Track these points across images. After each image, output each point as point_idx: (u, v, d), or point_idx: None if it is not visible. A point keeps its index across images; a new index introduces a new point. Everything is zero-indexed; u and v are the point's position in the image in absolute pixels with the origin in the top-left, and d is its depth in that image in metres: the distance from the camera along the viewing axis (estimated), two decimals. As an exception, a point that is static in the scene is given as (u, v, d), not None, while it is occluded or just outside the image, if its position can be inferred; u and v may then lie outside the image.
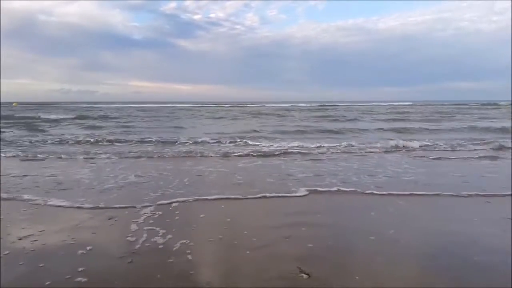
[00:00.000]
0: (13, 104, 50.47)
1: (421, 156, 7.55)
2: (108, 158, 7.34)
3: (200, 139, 10.42)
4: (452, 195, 4.36)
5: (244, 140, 10.16)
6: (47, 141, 10.28)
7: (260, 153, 7.90)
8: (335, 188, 4.71)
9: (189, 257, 2.64)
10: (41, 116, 22.81)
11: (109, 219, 3.49)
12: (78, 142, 10.00)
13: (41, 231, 3.14)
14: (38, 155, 7.61)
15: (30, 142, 10.08)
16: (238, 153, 7.91)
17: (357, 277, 2.33)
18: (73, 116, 22.91)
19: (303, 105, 50.44)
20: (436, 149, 8.68)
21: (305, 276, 2.34)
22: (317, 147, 8.87)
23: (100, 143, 9.81)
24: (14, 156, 7.61)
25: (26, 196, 4.26)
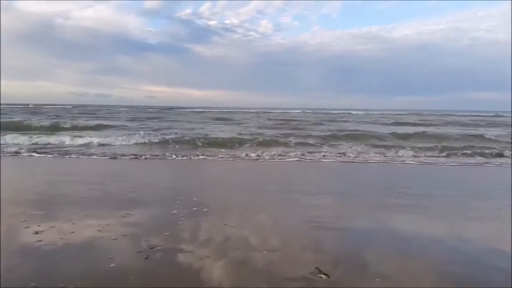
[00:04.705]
0: (29, 105, 51.21)
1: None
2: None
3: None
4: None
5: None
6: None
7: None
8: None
9: (206, 256, 2.64)
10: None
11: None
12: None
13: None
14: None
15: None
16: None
17: (378, 279, 2.29)
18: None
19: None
20: None
21: (324, 277, 2.31)
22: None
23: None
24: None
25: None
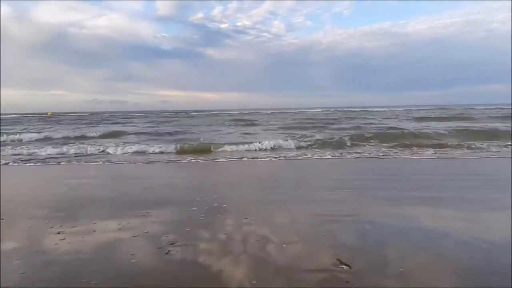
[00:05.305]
0: (48, 113, 52.47)
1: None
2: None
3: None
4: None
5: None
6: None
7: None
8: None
9: (227, 250, 2.64)
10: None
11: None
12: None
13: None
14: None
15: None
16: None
17: (401, 269, 2.22)
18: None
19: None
20: None
21: (345, 267, 2.26)
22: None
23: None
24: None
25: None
